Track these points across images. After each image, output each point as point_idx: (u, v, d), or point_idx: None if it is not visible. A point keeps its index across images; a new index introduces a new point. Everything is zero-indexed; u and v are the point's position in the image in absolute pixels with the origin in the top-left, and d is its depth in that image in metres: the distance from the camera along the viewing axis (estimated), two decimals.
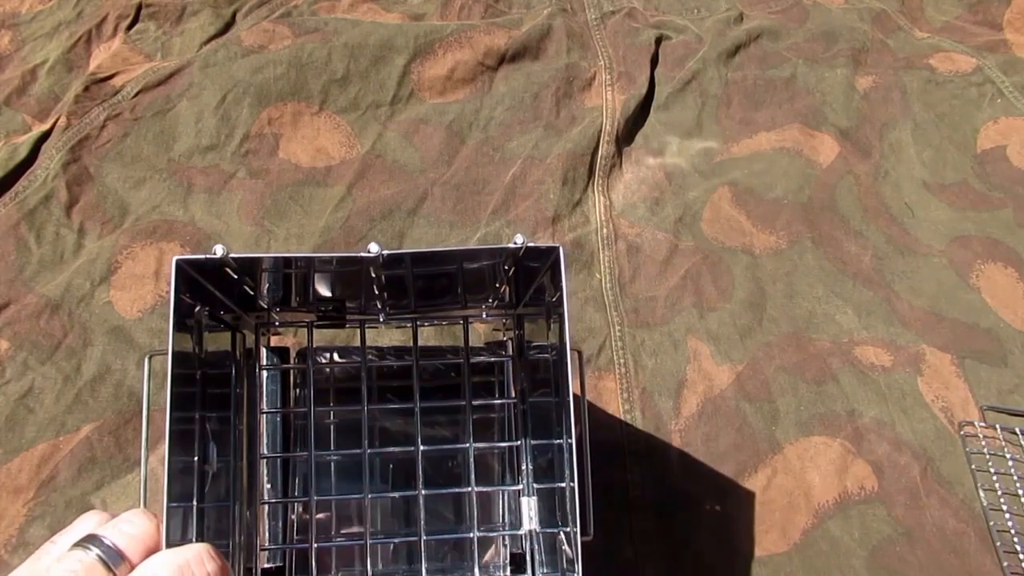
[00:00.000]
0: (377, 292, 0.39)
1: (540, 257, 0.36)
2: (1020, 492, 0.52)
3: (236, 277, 0.35)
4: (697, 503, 0.51)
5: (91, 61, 0.79)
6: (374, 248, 0.33)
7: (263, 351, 0.43)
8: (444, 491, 0.44)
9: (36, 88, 0.76)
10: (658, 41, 0.82)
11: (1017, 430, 0.55)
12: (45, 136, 0.70)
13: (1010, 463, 0.54)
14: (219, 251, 0.32)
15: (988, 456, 0.54)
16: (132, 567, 0.29)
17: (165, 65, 0.76)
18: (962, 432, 0.55)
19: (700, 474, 0.53)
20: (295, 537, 0.43)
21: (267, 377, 0.43)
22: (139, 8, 0.83)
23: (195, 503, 0.33)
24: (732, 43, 0.81)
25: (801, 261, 0.65)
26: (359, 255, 0.33)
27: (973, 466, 0.53)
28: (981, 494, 0.52)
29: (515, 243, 0.34)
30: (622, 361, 0.58)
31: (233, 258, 0.32)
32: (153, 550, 0.30)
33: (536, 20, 0.82)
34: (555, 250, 0.35)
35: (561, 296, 0.35)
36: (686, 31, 0.84)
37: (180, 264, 0.32)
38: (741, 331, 0.60)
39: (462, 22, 0.83)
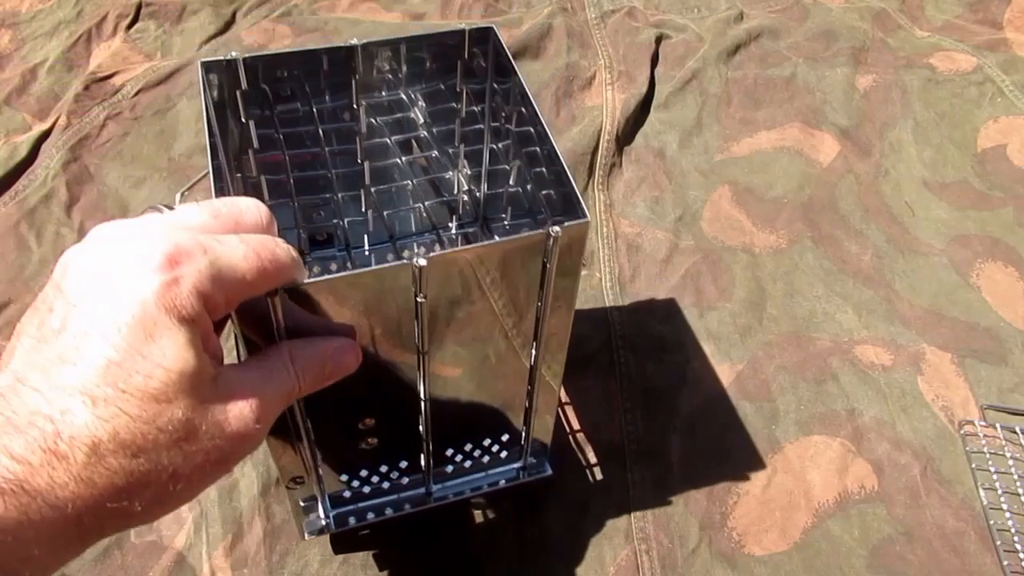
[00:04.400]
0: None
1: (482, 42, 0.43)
2: (1020, 491, 0.52)
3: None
4: (697, 502, 0.51)
5: (91, 60, 0.79)
6: (354, 40, 0.41)
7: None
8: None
9: (36, 87, 0.76)
10: (658, 40, 0.82)
11: (1017, 429, 0.55)
12: (45, 135, 0.71)
13: (1010, 462, 0.54)
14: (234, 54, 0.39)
15: (988, 455, 0.54)
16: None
17: (165, 64, 0.76)
18: (962, 431, 0.55)
19: (700, 474, 0.53)
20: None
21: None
22: (139, 7, 0.83)
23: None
24: (732, 42, 0.81)
25: (801, 260, 0.65)
26: (341, 44, 0.41)
27: (973, 465, 0.53)
28: (981, 493, 0.52)
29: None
30: (622, 361, 0.58)
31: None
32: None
33: (536, 19, 0.82)
34: (490, 29, 0.42)
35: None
36: (686, 30, 0.84)
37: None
38: (741, 330, 0.60)
39: (462, 21, 0.83)
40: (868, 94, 0.78)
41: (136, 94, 0.74)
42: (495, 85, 0.45)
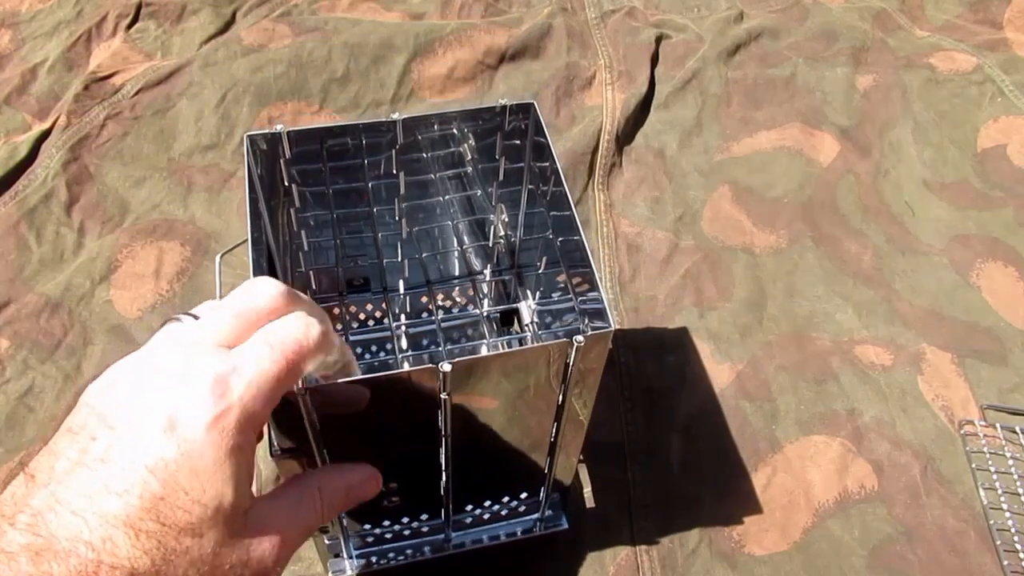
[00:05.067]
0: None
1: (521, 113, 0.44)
2: (1020, 491, 0.52)
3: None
4: (697, 503, 0.51)
5: (91, 60, 0.79)
6: (395, 116, 0.42)
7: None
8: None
9: (36, 87, 0.75)
10: (658, 40, 0.82)
11: (1017, 429, 0.55)
12: (45, 135, 0.70)
13: (1010, 462, 0.54)
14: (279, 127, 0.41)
15: (988, 455, 0.54)
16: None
17: (165, 64, 0.76)
18: (962, 431, 0.55)
19: (700, 474, 0.53)
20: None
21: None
22: (139, 7, 0.83)
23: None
24: (732, 42, 0.81)
25: (801, 260, 0.65)
26: (382, 120, 0.42)
27: (973, 465, 0.53)
28: (981, 493, 0.52)
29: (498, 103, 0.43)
30: (622, 360, 0.58)
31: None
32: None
33: (536, 19, 0.82)
34: (531, 105, 0.43)
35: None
36: (686, 30, 0.83)
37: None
38: (741, 330, 0.60)
39: (462, 21, 0.83)
40: (868, 94, 0.78)
41: (136, 94, 0.74)
42: (532, 164, 0.46)
